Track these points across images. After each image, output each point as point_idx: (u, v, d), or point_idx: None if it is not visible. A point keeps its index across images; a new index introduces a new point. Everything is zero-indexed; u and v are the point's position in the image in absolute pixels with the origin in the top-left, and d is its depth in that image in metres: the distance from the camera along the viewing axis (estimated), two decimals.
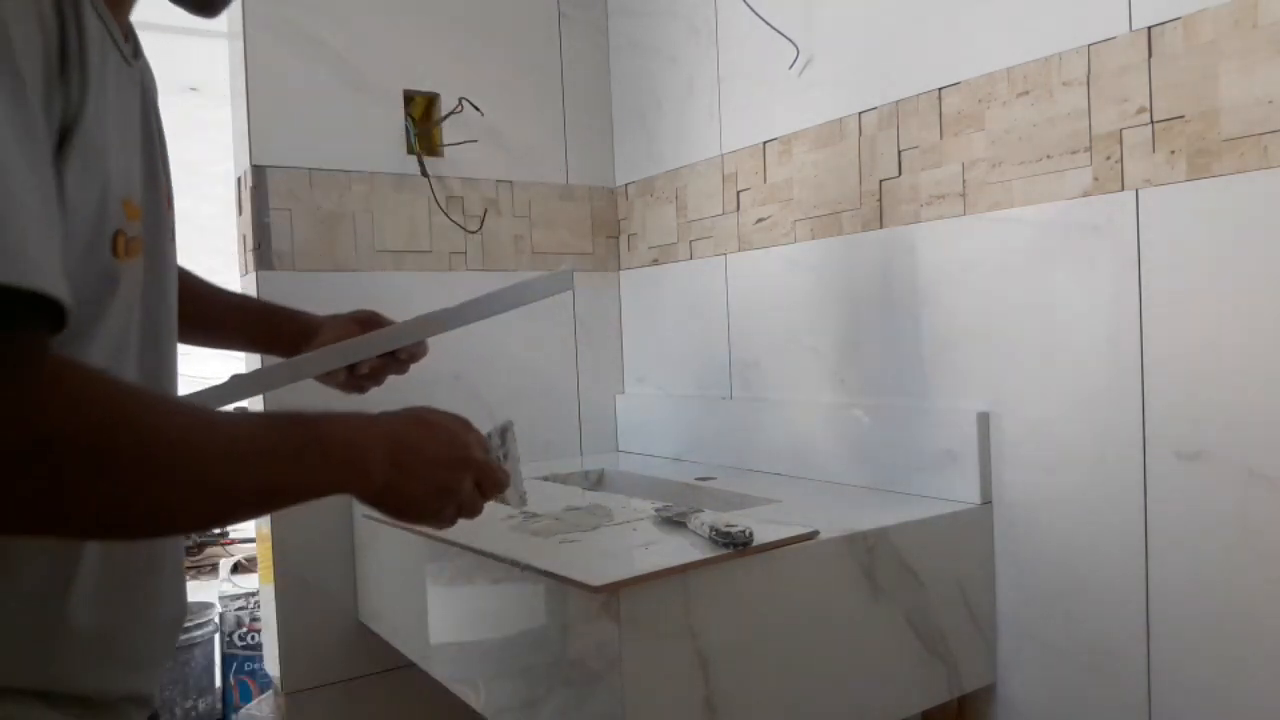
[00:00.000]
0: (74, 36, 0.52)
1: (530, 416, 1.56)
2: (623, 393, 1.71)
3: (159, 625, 0.68)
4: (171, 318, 0.70)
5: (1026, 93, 1.00)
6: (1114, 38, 0.92)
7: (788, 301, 1.33)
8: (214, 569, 3.33)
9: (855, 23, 1.20)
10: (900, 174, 1.15)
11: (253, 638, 2.37)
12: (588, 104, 1.67)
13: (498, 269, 1.56)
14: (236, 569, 2.89)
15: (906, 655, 0.99)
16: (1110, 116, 0.92)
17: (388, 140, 1.46)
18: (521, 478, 0.79)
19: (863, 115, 1.19)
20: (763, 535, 0.88)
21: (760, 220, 1.36)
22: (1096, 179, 0.94)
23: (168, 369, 0.70)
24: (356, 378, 0.95)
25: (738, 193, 1.40)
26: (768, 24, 1.30)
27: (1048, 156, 0.98)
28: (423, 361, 0.99)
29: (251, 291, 1.39)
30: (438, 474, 0.67)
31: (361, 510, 1.31)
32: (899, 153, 1.15)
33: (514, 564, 0.86)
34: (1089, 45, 0.94)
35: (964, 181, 1.07)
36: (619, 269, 1.70)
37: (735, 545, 0.84)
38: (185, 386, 0.77)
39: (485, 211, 1.55)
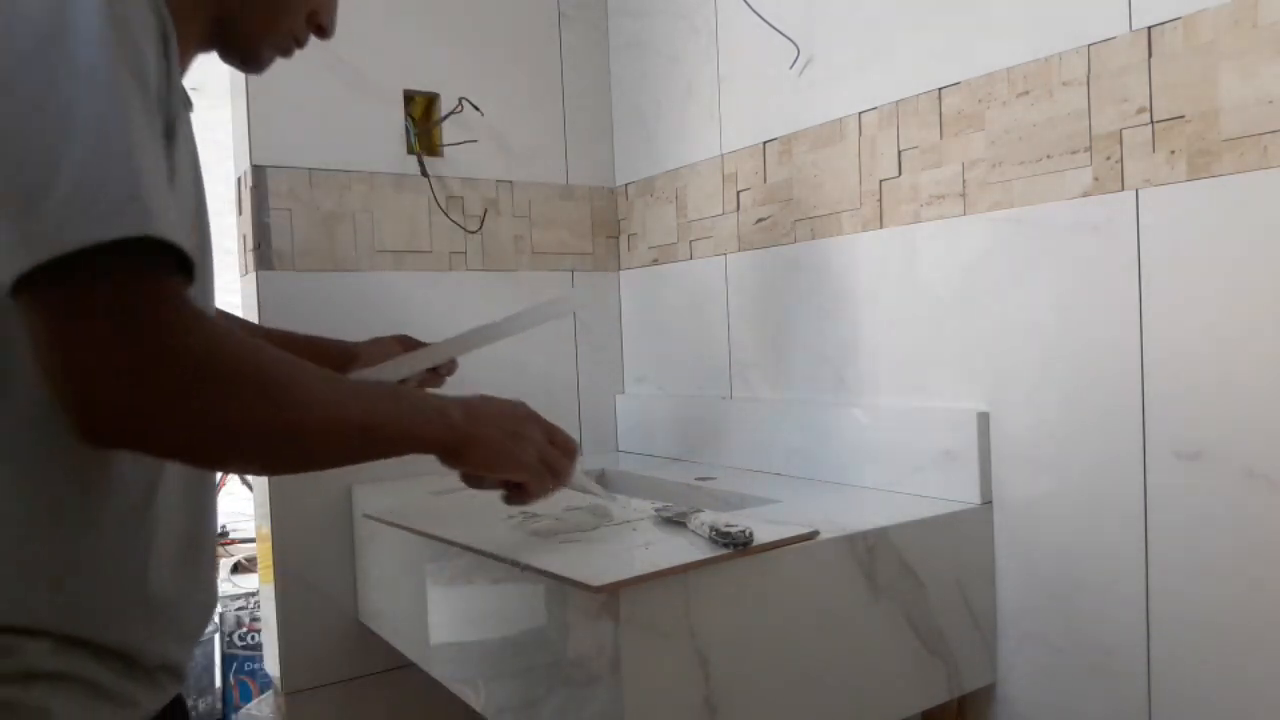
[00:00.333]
0: (175, 72, 0.63)
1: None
2: (623, 393, 1.71)
3: (203, 602, 0.76)
4: (212, 306, 0.81)
5: (1026, 93, 1.00)
6: (1114, 38, 0.92)
7: (788, 301, 1.33)
8: None
9: (855, 23, 1.20)
10: (900, 174, 1.15)
11: (253, 638, 2.37)
12: (588, 104, 1.67)
13: (498, 269, 1.56)
14: (236, 569, 2.90)
15: (906, 655, 0.99)
16: (1110, 116, 0.92)
17: (388, 140, 1.46)
18: (602, 493, 0.95)
19: (863, 115, 1.19)
20: (763, 535, 0.88)
21: (760, 220, 1.36)
22: (1096, 179, 0.94)
23: None
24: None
25: (738, 193, 1.40)
26: (768, 24, 1.30)
27: (1048, 156, 0.98)
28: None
29: (251, 291, 1.39)
30: (506, 423, 0.78)
31: (362, 510, 1.32)
32: (899, 153, 1.15)
33: (514, 564, 0.86)
34: (1089, 45, 0.94)
35: (964, 181, 1.07)
36: (619, 269, 1.70)
37: (735, 545, 0.84)
38: None
39: (485, 211, 1.55)
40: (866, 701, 0.96)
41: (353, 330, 1.39)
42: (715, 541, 0.86)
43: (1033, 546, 1.02)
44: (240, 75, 1.36)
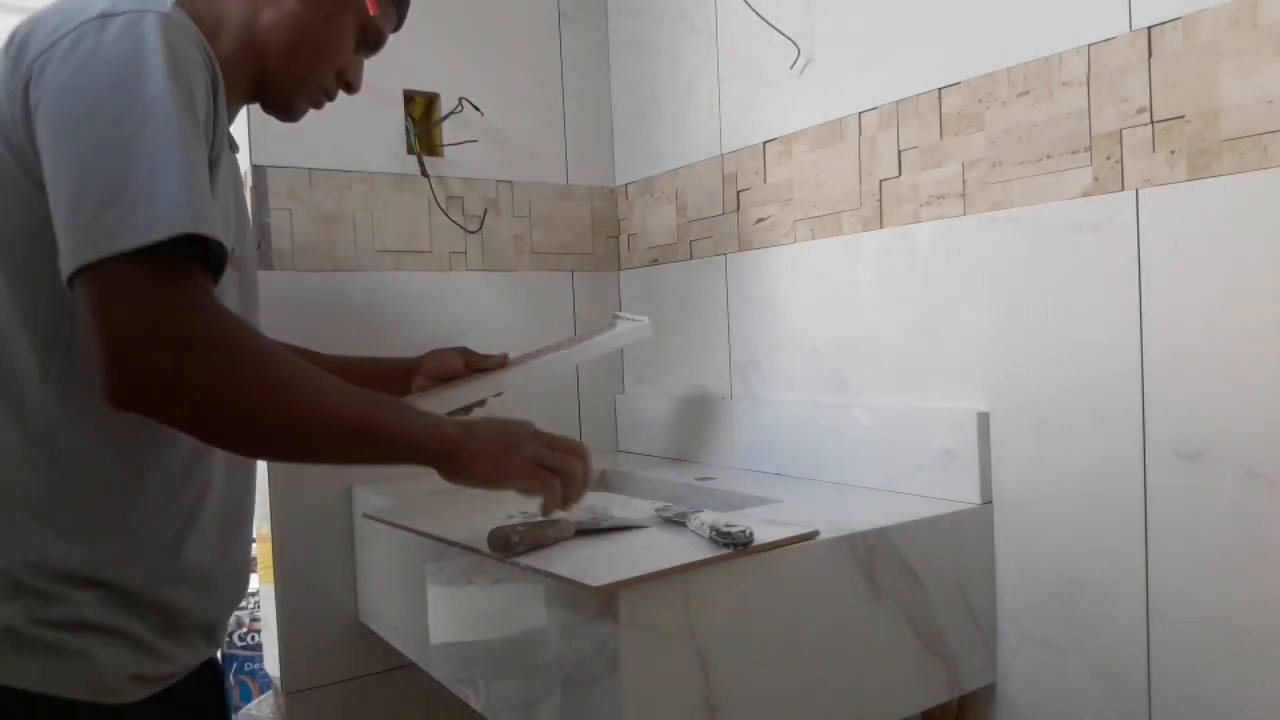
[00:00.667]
0: (222, 113, 0.76)
1: (530, 416, 1.55)
2: (623, 393, 1.71)
3: (237, 574, 0.88)
4: (257, 317, 0.93)
5: (1026, 93, 1.00)
6: (1114, 38, 0.92)
7: (788, 301, 1.33)
8: None
9: (855, 23, 1.20)
10: (900, 174, 1.15)
11: (253, 638, 2.37)
12: (588, 104, 1.67)
13: (498, 269, 1.56)
14: None
15: (906, 655, 0.99)
16: (1110, 116, 0.92)
17: (388, 140, 1.46)
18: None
19: (863, 115, 1.19)
20: (763, 535, 0.88)
21: (760, 220, 1.36)
22: (1096, 179, 0.94)
23: None
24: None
25: (738, 193, 1.40)
26: (768, 24, 1.30)
27: (1048, 156, 0.98)
28: None
29: None
30: (499, 437, 0.84)
31: (362, 510, 1.32)
32: (899, 153, 1.15)
33: (514, 564, 0.86)
34: (1089, 45, 0.94)
35: (964, 181, 1.07)
36: (619, 269, 1.70)
37: (735, 545, 0.84)
38: None
39: (485, 211, 1.55)
40: (866, 701, 0.96)
41: (352, 330, 1.39)
42: (715, 541, 0.86)
43: (1033, 546, 1.02)
44: None
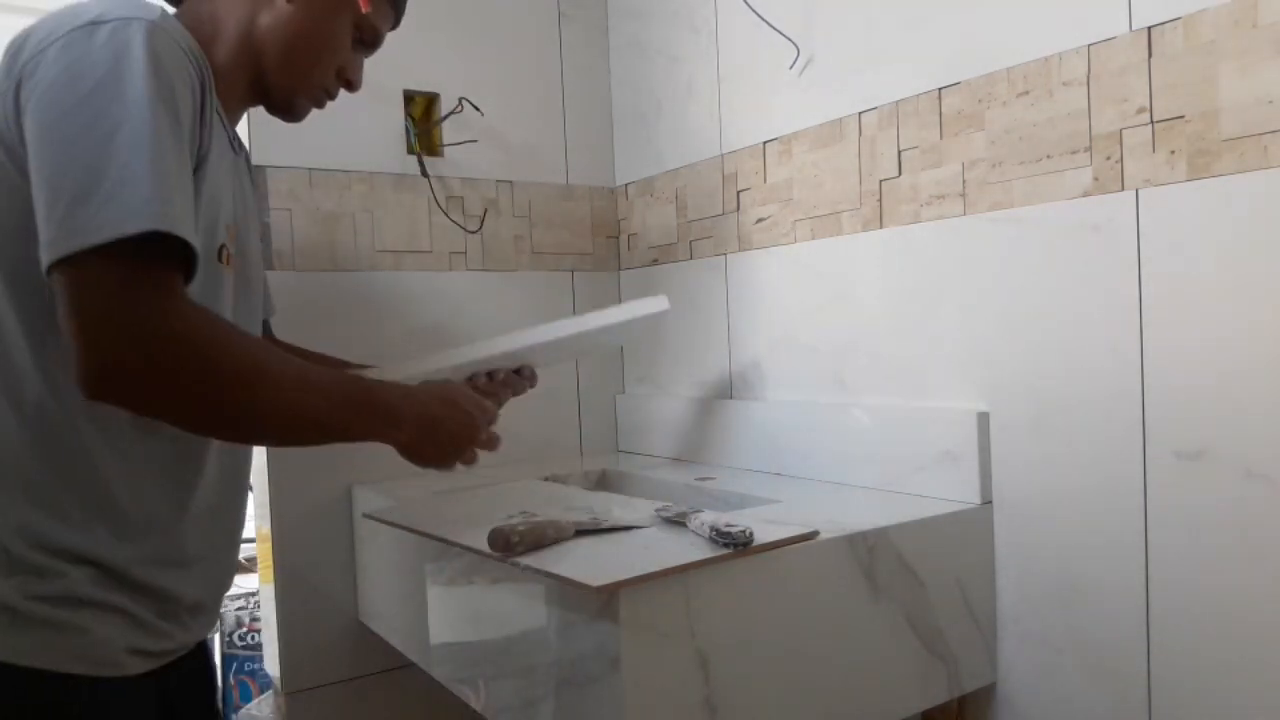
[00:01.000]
0: (208, 109, 0.77)
1: (530, 416, 1.56)
2: (623, 393, 1.71)
3: (226, 562, 0.92)
4: (256, 314, 0.96)
5: (1026, 93, 1.00)
6: (1114, 38, 0.92)
7: (788, 301, 1.33)
8: None
9: (855, 23, 1.20)
10: (900, 174, 1.15)
11: (253, 638, 2.37)
12: (588, 104, 1.67)
13: (498, 269, 1.56)
14: None
15: (906, 655, 0.99)
16: (1110, 116, 0.92)
17: (388, 140, 1.46)
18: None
19: (863, 115, 1.19)
20: (763, 535, 0.88)
21: (760, 220, 1.36)
22: (1096, 179, 0.94)
23: None
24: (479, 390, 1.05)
25: (738, 193, 1.40)
26: (768, 24, 1.30)
27: (1048, 156, 0.98)
28: None
29: None
30: (448, 445, 0.90)
31: (362, 510, 1.32)
32: (899, 153, 1.15)
33: (514, 564, 0.86)
34: (1089, 45, 0.94)
35: (964, 181, 1.07)
36: (619, 269, 1.70)
37: (735, 545, 0.84)
38: None
39: (485, 211, 1.55)
40: (866, 701, 0.96)
41: (352, 330, 1.39)
42: (715, 541, 0.86)
43: (1033, 546, 1.02)
44: None
